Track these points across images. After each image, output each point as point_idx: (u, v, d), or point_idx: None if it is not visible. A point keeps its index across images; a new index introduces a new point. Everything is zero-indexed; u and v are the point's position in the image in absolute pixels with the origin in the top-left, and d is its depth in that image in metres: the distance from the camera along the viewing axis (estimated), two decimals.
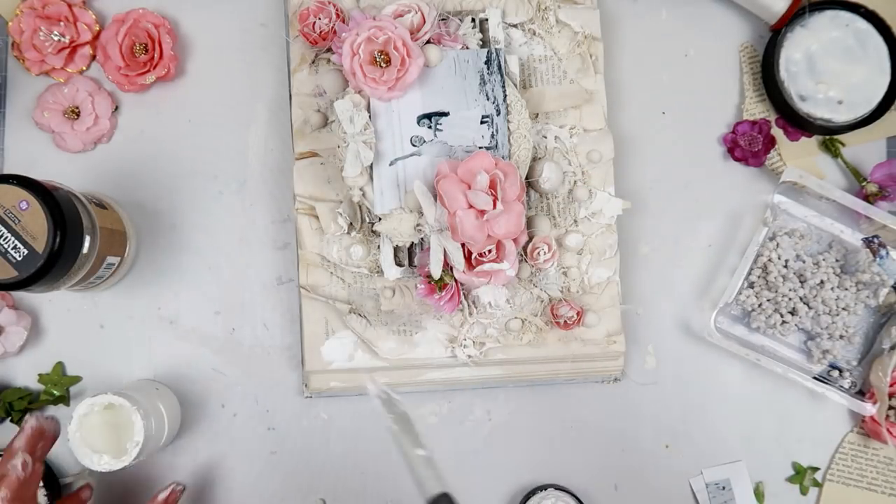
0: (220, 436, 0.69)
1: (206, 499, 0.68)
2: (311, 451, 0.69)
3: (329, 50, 0.64)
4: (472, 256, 0.59)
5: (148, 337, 0.69)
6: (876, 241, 0.69)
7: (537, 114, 0.66)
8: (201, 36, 0.71)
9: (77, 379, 0.68)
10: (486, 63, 0.61)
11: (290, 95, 0.66)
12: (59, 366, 0.68)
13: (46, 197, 0.55)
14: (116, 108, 0.70)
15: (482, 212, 0.56)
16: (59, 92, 0.69)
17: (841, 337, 0.70)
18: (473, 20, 0.64)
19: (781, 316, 0.70)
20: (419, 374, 0.66)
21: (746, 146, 0.72)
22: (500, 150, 0.60)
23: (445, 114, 0.61)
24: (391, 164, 0.60)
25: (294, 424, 0.69)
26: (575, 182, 0.66)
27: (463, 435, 0.70)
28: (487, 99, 0.61)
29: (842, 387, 0.70)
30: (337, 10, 0.63)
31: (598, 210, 0.66)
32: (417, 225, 0.59)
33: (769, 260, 0.70)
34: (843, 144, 0.73)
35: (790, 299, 0.69)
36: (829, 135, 0.73)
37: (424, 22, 0.60)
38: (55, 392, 0.67)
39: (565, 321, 0.64)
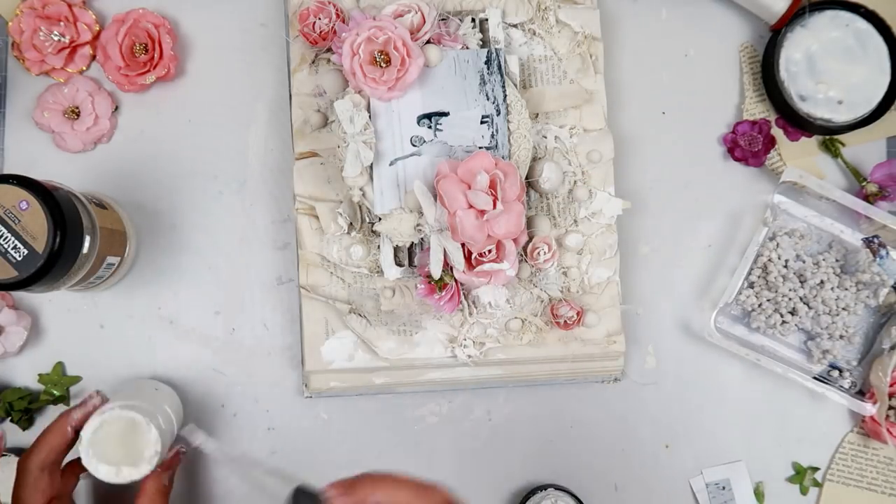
0: (220, 436, 0.69)
1: (206, 499, 0.68)
2: (311, 451, 0.69)
3: (329, 50, 0.64)
4: (472, 256, 0.59)
5: (148, 337, 0.69)
6: (876, 241, 0.69)
7: (537, 114, 0.66)
8: (201, 36, 0.71)
9: (77, 379, 0.68)
10: (486, 63, 0.61)
11: (290, 95, 0.66)
12: (59, 366, 0.68)
13: (46, 197, 0.55)
14: (116, 108, 0.70)
15: (482, 212, 0.56)
16: (59, 92, 0.69)
17: (841, 337, 0.70)
18: (473, 20, 0.64)
19: (781, 316, 0.70)
20: (419, 374, 0.66)
21: (746, 146, 0.72)
22: (500, 150, 0.60)
23: (445, 114, 0.61)
24: (391, 164, 0.60)
25: (294, 424, 0.69)
26: (575, 182, 0.66)
27: (463, 435, 0.70)
28: (487, 99, 0.61)
29: (842, 387, 0.70)
30: (337, 10, 0.63)
31: (598, 210, 0.66)
32: (417, 225, 0.59)
33: (769, 260, 0.70)
34: (843, 144, 0.73)
35: (790, 299, 0.69)
36: (829, 135, 0.73)
37: (424, 22, 0.60)
38: (55, 392, 0.67)
39: (565, 321, 0.64)
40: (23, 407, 0.66)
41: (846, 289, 0.70)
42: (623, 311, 0.67)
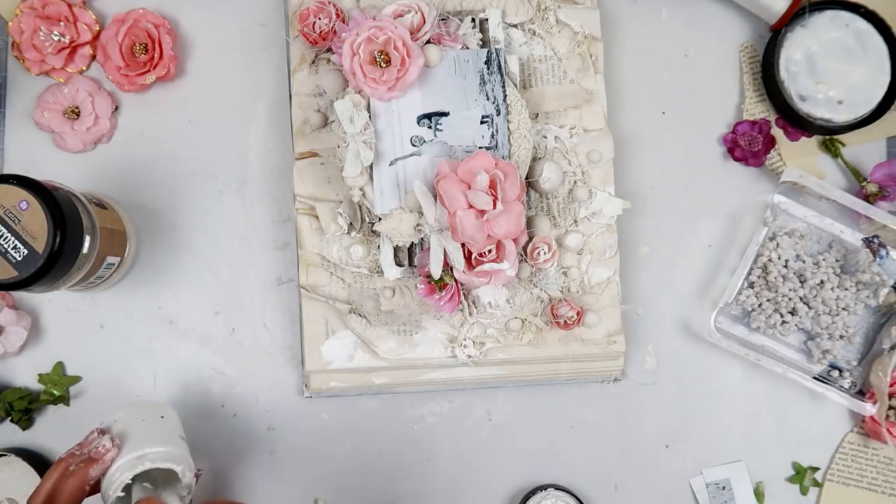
0: (220, 436, 0.69)
1: (206, 499, 0.68)
2: (311, 451, 0.69)
3: (329, 50, 0.64)
4: (472, 256, 0.59)
5: (148, 337, 0.69)
6: (876, 241, 0.69)
7: (537, 114, 0.66)
8: (201, 36, 0.71)
9: (77, 379, 0.68)
10: (486, 63, 0.61)
11: (290, 95, 0.66)
12: (59, 366, 0.68)
13: (46, 197, 0.55)
14: (116, 108, 0.70)
15: (482, 212, 0.56)
16: (59, 92, 0.69)
17: (841, 337, 0.70)
18: (473, 20, 0.64)
19: (781, 316, 0.70)
20: (419, 374, 0.66)
21: (746, 146, 0.72)
22: (500, 150, 0.60)
23: (445, 114, 0.61)
24: (391, 164, 0.60)
25: (294, 424, 0.69)
26: (575, 182, 0.66)
27: (463, 435, 0.70)
28: (487, 99, 0.61)
29: (842, 387, 0.70)
30: (337, 10, 0.63)
31: (598, 210, 0.66)
32: (417, 225, 0.59)
33: (769, 260, 0.70)
34: (843, 144, 0.73)
35: (790, 299, 0.69)
36: (829, 135, 0.73)
37: (424, 22, 0.60)
38: (55, 392, 0.67)
39: (565, 321, 0.64)
40: (23, 407, 0.66)
41: (846, 289, 0.70)
42: (623, 311, 0.67)
